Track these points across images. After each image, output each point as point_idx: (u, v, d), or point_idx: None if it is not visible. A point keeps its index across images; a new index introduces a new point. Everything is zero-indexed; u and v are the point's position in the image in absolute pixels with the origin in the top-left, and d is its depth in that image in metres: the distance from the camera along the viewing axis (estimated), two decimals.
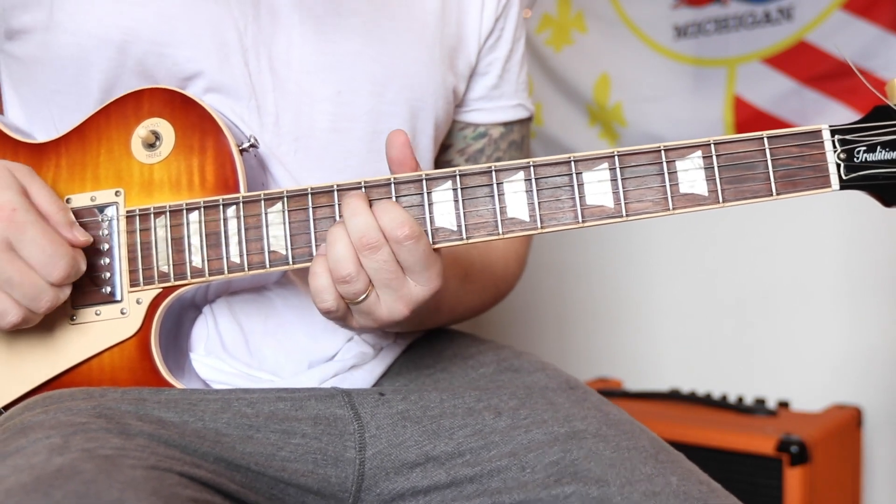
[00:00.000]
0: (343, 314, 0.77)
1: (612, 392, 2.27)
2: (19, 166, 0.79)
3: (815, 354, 2.19)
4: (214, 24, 0.86)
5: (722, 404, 2.09)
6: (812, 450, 1.74)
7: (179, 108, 0.83)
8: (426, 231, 0.76)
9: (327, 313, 0.76)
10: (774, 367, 2.25)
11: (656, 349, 2.46)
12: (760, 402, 2.10)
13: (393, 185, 0.77)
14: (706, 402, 2.11)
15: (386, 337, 0.98)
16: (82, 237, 0.79)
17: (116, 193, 0.83)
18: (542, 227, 0.75)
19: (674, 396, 2.20)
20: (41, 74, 0.88)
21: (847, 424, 2.01)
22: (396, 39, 0.95)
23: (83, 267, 0.78)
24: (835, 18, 2.09)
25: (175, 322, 0.89)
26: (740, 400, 2.12)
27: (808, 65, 2.14)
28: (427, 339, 1.03)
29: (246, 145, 0.83)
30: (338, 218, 0.77)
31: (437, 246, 0.76)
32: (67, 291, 0.78)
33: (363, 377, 0.92)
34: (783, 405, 2.12)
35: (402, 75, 0.95)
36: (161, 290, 0.81)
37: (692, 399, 2.15)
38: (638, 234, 2.47)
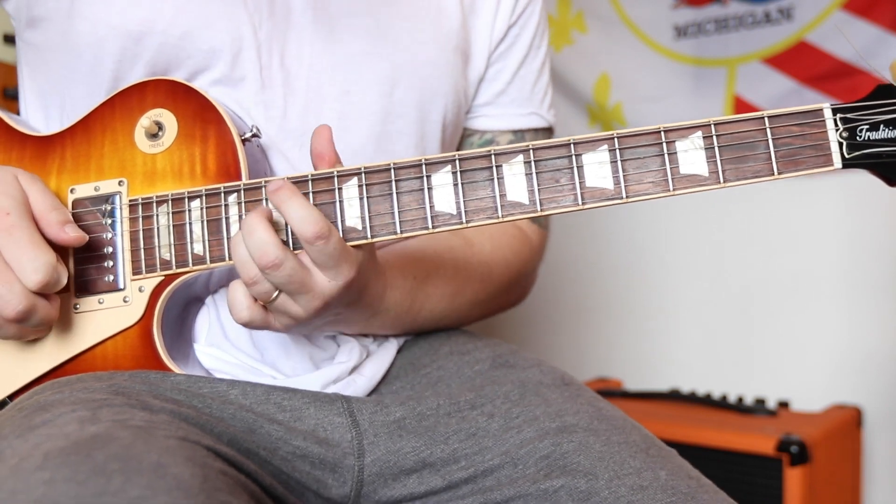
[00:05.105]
0: (262, 320, 0.78)
1: (612, 392, 2.27)
2: (24, 173, 0.80)
3: (815, 354, 2.19)
4: (230, 18, 0.87)
5: (722, 404, 2.08)
6: (812, 450, 1.74)
7: (182, 98, 0.83)
8: (426, 216, 0.76)
9: (246, 324, 0.77)
10: (774, 367, 2.25)
11: (656, 349, 2.46)
12: (760, 402, 2.10)
13: (392, 170, 0.77)
14: (706, 402, 2.11)
15: (374, 337, 0.98)
16: (74, 233, 0.78)
17: (120, 183, 0.83)
18: (541, 210, 0.75)
19: (674, 396, 2.20)
20: (57, 62, 0.89)
21: (847, 424, 2.01)
22: (409, 39, 0.95)
23: (63, 280, 0.77)
24: (835, 18, 2.10)
25: (180, 314, 0.89)
26: (740, 400, 2.12)
27: (808, 65, 2.15)
28: (424, 338, 1.03)
29: (248, 135, 0.83)
30: (337, 205, 0.77)
31: (437, 231, 0.76)
32: (41, 305, 0.76)
33: (363, 381, 0.92)
34: (783, 405, 2.12)
35: (411, 75, 0.95)
36: (163, 277, 0.81)
37: (692, 399, 2.15)
38: (639, 234, 2.47)
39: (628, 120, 2.43)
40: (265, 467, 0.78)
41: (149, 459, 0.60)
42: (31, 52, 0.93)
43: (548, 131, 1.10)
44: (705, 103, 2.30)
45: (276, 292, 0.75)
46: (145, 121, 0.84)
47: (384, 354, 0.97)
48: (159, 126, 0.83)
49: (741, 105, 2.25)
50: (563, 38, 2.57)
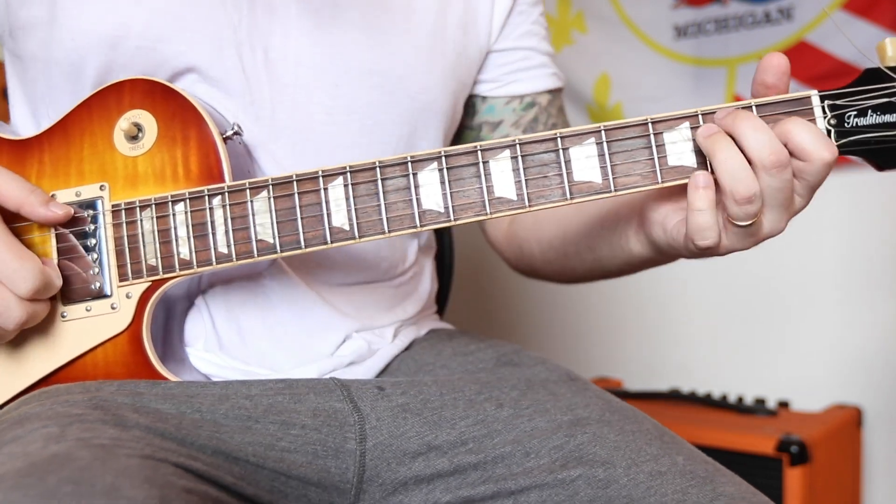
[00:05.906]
0: (716, 246, 0.75)
1: (613, 392, 2.27)
2: None
3: (815, 354, 2.19)
4: (206, 18, 0.85)
5: (722, 404, 2.08)
6: (812, 450, 1.73)
7: (160, 98, 0.82)
8: (413, 214, 0.76)
9: (704, 251, 0.75)
10: (774, 367, 2.24)
11: (656, 349, 2.46)
12: (760, 402, 2.09)
13: (378, 168, 0.76)
14: (706, 402, 2.11)
15: (382, 337, 0.97)
16: (60, 210, 0.78)
17: (101, 188, 0.82)
18: (529, 206, 0.74)
19: (674, 396, 2.19)
20: (40, 72, 0.88)
21: (847, 424, 2.01)
22: (394, 31, 0.94)
23: (57, 282, 0.78)
24: (835, 18, 2.09)
25: (166, 313, 0.88)
26: (740, 400, 2.11)
27: (808, 65, 2.14)
28: (427, 339, 1.02)
29: (230, 133, 0.82)
30: (323, 205, 0.76)
31: (425, 229, 0.75)
32: (41, 309, 0.77)
33: (361, 371, 0.92)
34: (783, 405, 2.12)
35: (401, 65, 0.94)
36: (150, 283, 0.80)
37: (692, 399, 2.15)
38: None
39: None
40: (255, 474, 0.77)
41: (103, 482, 0.59)
42: (15, 60, 0.92)
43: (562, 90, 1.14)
44: (705, 103, 2.26)
45: (759, 215, 0.72)
46: (124, 123, 0.82)
47: (385, 353, 0.96)
48: (139, 128, 0.82)
49: None
50: (563, 38, 2.56)
